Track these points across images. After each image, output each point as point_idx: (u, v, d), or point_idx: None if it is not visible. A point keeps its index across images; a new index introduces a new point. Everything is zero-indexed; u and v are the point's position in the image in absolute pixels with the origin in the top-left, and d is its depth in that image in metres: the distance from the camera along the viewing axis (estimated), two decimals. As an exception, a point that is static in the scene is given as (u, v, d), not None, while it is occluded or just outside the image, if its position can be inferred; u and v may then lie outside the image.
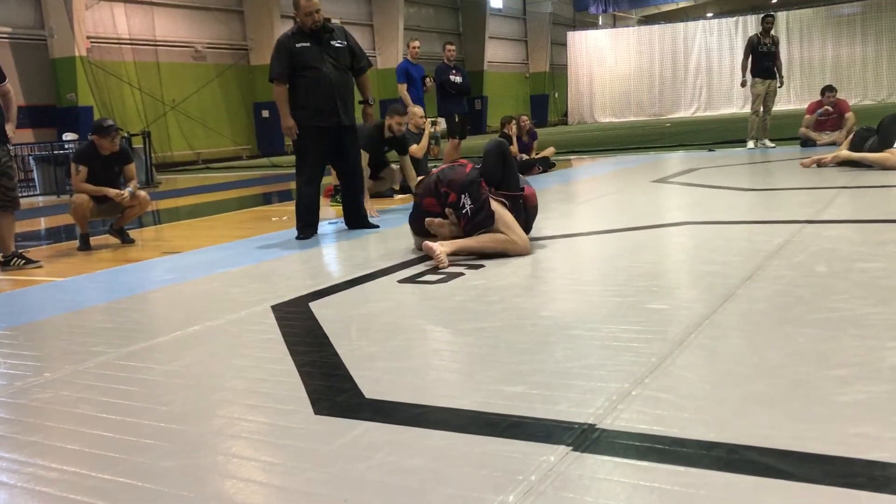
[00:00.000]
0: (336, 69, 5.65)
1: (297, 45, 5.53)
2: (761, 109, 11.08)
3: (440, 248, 4.07)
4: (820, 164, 7.51)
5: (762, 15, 12.11)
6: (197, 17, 20.91)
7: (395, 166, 7.66)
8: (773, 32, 11.21)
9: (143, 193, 6.34)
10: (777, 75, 11.08)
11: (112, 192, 6.03)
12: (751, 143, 11.16)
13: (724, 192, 6.45)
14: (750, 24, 29.67)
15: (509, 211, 4.27)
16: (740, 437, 1.77)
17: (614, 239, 4.65)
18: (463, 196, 4.22)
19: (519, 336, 2.73)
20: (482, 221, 4.19)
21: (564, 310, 3.15)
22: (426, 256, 4.39)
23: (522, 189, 4.43)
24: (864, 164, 7.02)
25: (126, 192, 6.08)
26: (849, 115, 10.37)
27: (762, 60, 10.97)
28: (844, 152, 7.23)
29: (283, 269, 4.57)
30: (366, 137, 6.84)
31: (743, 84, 11.30)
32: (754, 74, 11.02)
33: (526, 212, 4.45)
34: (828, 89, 10.64)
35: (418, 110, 8.60)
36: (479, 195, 4.19)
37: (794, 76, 28.68)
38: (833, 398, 1.97)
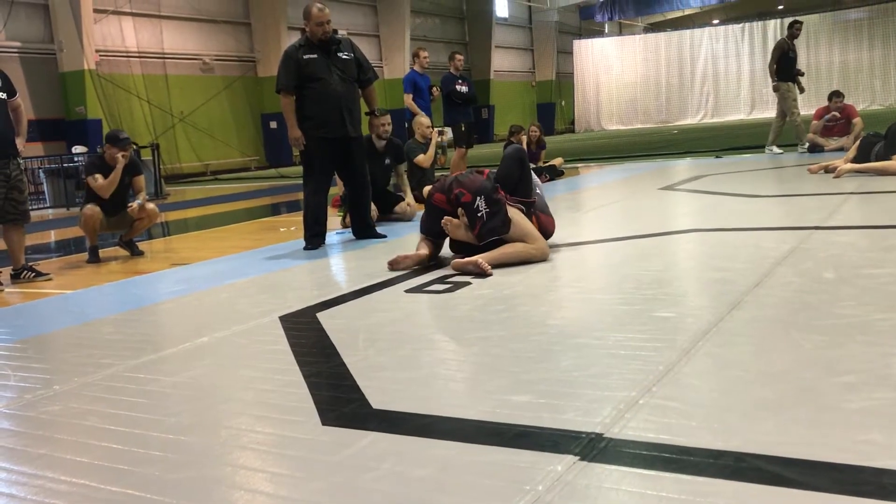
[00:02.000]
0: (343, 81, 5.68)
1: (305, 57, 5.56)
2: (800, 112, 10.93)
3: (481, 259, 3.98)
4: (828, 170, 7.49)
5: (790, 20, 11.93)
6: (204, 30, 21.06)
7: (406, 205, 7.07)
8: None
9: (151, 206, 6.38)
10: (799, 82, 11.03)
11: (119, 162, 6.08)
12: (801, 147, 10.92)
13: (732, 198, 6.44)
14: (756, 31, 29.67)
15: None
16: (748, 444, 1.76)
17: (621, 246, 4.64)
18: (478, 198, 4.14)
19: (525, 345, 2.73)
20: (497, 228, 4.13)
21: (571, 318, 3.15)
22: (433, 266, 4.40)
23: (533, 198, 4.46)
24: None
25: (135, 203, 6.12)
26: (856, 120, 10.34)
27: (792, 65, 10.90)
28: (849, 165, 7.20)
29: (290, 280, 4.58)
30: None
31: (776, 89, 11.10)
32: (783, 79, 10.91)
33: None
34: (835, 94, 10.60)
35: (425, 120, 8.61)
36: (496, 200, 4.15)
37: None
38: (841, 405, 1.96)
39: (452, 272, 4.13)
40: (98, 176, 6.08)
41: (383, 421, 2.13)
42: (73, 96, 17.24)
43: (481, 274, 3.95)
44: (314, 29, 5.57)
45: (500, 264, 4.09)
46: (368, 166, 6.27)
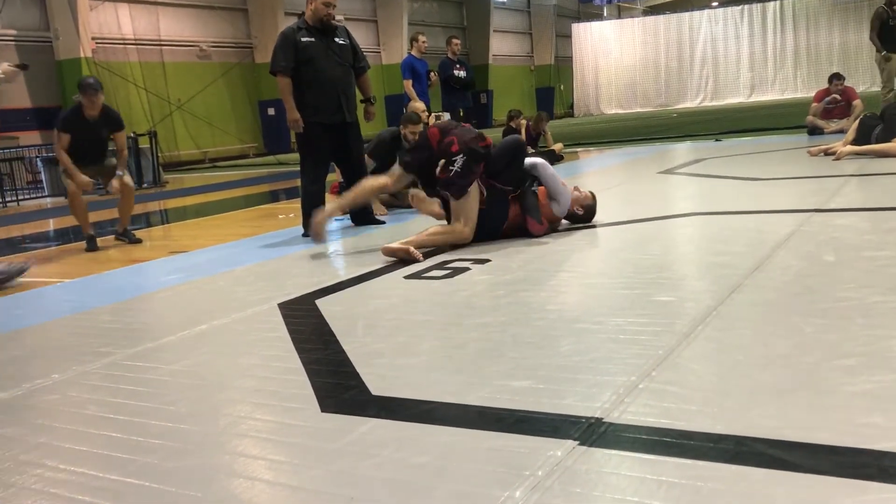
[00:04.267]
0: (340, 66, 5.64)
1: (303, 40, 5.52)
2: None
3: (399, 244, 4.20)
4: (827, 152, 7.46)
5: None
6: (201, 16, 20.92)
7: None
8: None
9: (128, 179, 6.24)
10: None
11: (82, 179, 5.91)
12: None
13: (732, 182, 6.42)
14: (755, 13, 29.48)
15: (490, 203, 4.39)
16: (748, 428, 1.76)
17: (621, 231, 4.63)
18: (460, 157, 4.27)
19: (525, 330, 2.72)
20: (454, 189, 4.30)
21: (571, 303, 3.14)
22: (433, 252, 4.40)
23: (512, 190, 4.49)
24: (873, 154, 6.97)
25: (115, 182, 5.98)
26: (856, 102, 10.28)
27: (892, 33, 10.65)
28: (848, 148, 7.18)
29: (289, 267, 4.57)
30: (384, 147, 6.64)
31: (887, 59, 10.74)
32: (890, 49, 10.58)
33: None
34: (835, 77, 10.54)
35: (420, 105, 8.56)
36: (471, 168, 4.25)
37: (801, 64, 28.51)
38: (841, 388, 1.95)
39: (451, 258, 4.14)
40: (64, 136, 5.89)
41: (383, 407, 2.12)
42: (70, 84, 17.10)
43: (410, 260, 4.09)
44: (320, 8, 5.51)
45: (423, 246, 4.30)
46: (391, 155, 6.24)
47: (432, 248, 4.36)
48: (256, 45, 22.04)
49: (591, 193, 4.82)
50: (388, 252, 4.23)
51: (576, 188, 4.80)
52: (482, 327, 2.82)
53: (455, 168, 4.26)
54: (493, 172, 4.44)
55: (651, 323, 2.65)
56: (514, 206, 4.54)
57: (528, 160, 4.76)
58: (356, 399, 2.21)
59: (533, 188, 4.54)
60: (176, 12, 20.23)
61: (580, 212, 4.73)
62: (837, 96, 10.33)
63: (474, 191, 4.33)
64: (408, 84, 9.55)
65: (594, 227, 4.81)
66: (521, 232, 4.54)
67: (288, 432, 2.03)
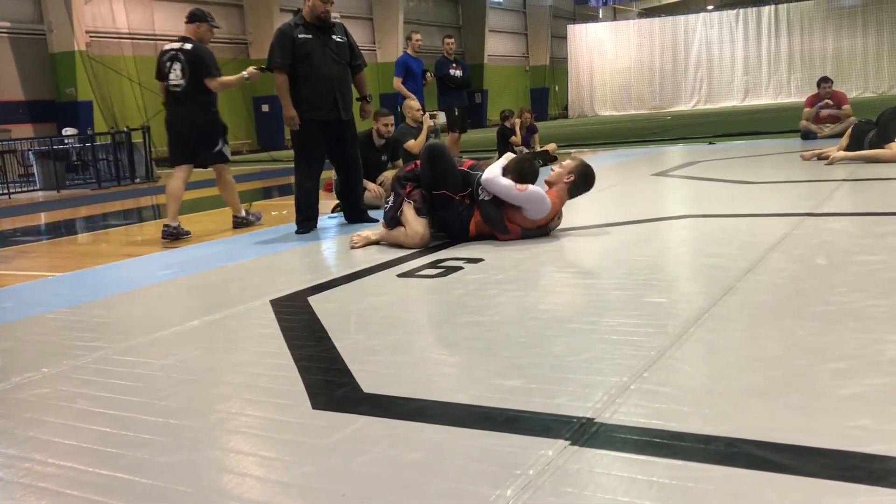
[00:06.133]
0: (336, 63, 5.63)
1: (300, 37, 5.50)
2: None
3: (358, 236, 4.79)
4: (820, 157, 7.49)
5: None
6: (196, 11, 20.84)
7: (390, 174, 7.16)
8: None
9: None
10: None
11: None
12: None
13: (725, 185, 6.44)
14: (750, 18, 29.59)
15: (437, 208, 4.62)
16: (739, 430, 1.76)
17: (614, 232, 4.64)
18: (392, 193, 4.87)
19: (517, 330, 2.72)
20: (387, 220, 4.79)
21: (563, 303, 3.14)
22: (424, 251, 4.41)
23: (458, 190, 4.60)
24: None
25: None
26: (846, 107, 10.33)
27: None
28: (841, 153, 7.21)
29: (282, 264, 4.57)
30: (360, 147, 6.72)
31: None
32: None
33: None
34: (823, 80, 10.57)
35: (414, 103, 8.54)
36: (396, 197, 4.76)
37: (794, 69, 28.62)
38: (832, 391, 1.96)
39: (445, 257, 4.16)
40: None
41: (374, 405, 2.12)
42: (64, 78, 17.08)
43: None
44: (317, 5, 5.49)
45: (386, 241, 4.74)
46: (365, 157, 6.26)
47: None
48: (251, 41, 21.99)
49: (577, 157, 4.86)
50: (360, 241, 4.74)
51: (560, 165, 4.77)
52: (474, 326, 2.82)
53: (388, 205, 4.84)
54: (426, 184, 4.66)
55: (643, 324, 2.66)
56: (478, 213, 4.55)
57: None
58: (348, 396, 2.20)
59: (483, 197, 4.48)
60: (171, 6, 20.14)
61: (571, 177, 4.63)
62: (829, 100, 10.36)
63: (406, 206, 4.67)
64: (397, 81, 9.50)
65: (588, 227, 4.81)
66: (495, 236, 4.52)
67: (279, 429, 2.03)
